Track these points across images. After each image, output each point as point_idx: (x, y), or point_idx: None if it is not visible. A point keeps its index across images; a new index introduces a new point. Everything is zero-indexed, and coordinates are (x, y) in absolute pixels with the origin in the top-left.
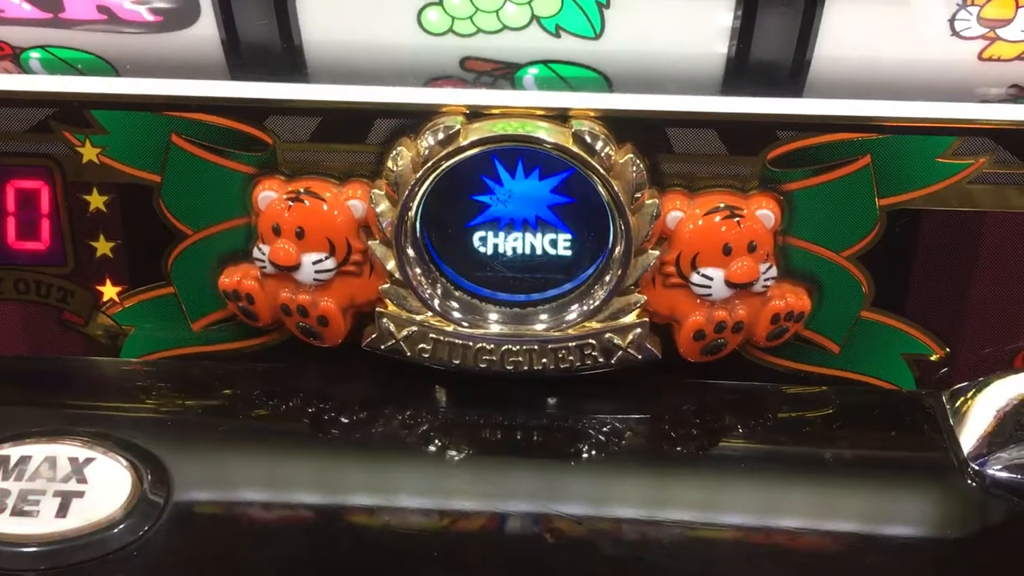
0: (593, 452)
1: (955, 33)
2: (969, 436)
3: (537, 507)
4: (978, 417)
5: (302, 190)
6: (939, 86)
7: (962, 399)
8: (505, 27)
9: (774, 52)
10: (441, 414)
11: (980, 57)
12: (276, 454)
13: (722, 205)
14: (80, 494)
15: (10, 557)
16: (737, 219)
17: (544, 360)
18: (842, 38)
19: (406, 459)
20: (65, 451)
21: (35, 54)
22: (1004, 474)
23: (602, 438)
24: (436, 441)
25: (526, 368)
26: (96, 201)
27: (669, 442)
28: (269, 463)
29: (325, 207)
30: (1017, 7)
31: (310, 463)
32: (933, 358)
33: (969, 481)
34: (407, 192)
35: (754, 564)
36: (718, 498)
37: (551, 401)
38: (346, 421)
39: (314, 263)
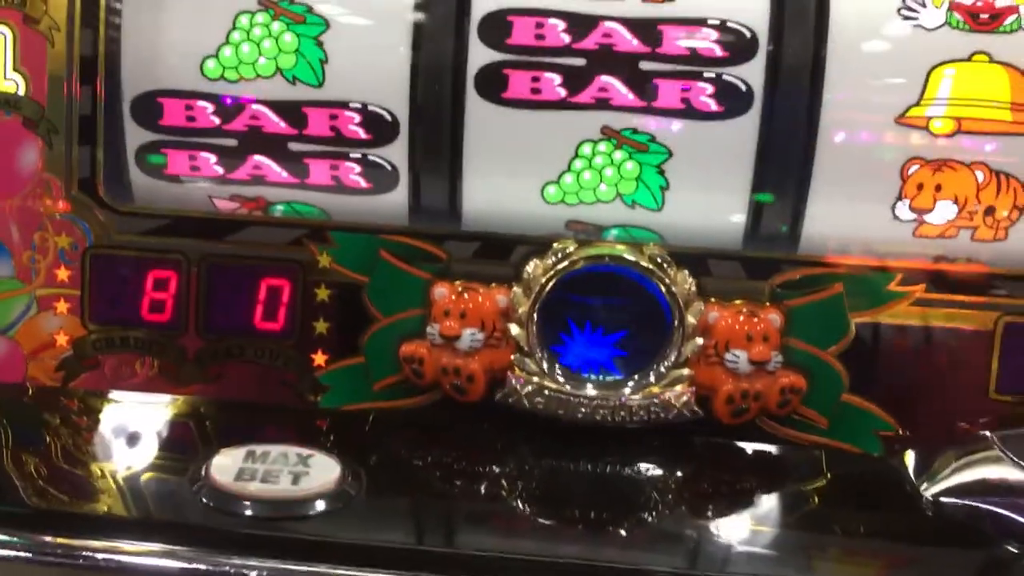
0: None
1: (895, 217)
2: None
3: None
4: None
5: (463, 288)
6: (887, 253)
7: (920, 460)
8: (598, 200)
9: (775, 227)
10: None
11: (914, 235)
12: (432, 474)
13: (745, 310)
14: (307, 473)
15: (259, 506)
16: (755, 318)
17: (623, 413)
18: (822, 220)
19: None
20: (294, 449)
21: (280, 207)
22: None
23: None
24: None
25: (610, 419)
26: (322, 294)
27: (699, 490)
28: (430, 478)
29: (480, 298)
30: (935, 201)
31: (462, 482)
32: (895, 433)
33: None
34: (535, 292)
35: None
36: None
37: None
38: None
39: (470, 335)
